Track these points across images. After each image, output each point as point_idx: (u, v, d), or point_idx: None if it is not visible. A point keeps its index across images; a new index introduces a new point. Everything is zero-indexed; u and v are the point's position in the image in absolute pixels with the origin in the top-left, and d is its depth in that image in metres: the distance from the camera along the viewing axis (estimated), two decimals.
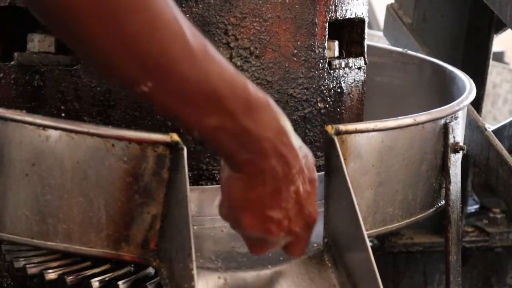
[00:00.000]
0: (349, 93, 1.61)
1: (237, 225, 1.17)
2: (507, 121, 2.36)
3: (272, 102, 1.11)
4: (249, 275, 1.27)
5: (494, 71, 3.74)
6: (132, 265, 1.38)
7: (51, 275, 1.37)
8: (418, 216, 1.54)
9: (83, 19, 0.99)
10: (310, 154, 1.18)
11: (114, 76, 1.08)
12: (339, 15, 1.56)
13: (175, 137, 1.18)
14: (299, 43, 1.49)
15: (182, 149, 1.17)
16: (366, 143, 1.39)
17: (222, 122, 1.07)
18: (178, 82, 1.04)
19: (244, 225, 1.15)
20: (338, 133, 1.34)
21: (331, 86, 1.56)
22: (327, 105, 1.58)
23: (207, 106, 1.06)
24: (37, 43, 1.42)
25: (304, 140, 1.53)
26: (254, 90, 1.09)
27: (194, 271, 1.12)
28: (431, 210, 1.58)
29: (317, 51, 1.52)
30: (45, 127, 1.19)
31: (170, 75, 1.04)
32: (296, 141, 1.14)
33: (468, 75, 1.81)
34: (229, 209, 1.16)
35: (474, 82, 1.75)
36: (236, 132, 1.08)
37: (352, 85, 1.62)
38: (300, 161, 1.14)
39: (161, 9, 1.02)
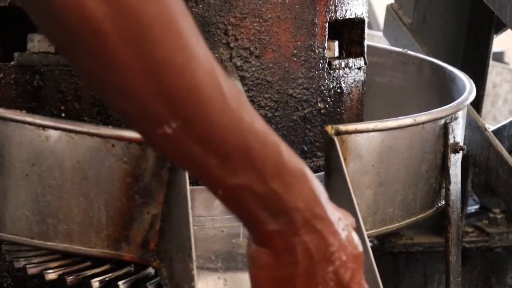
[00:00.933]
0: (349, 93, 1.61)
1: None
2: (507, 121, 2.36)
3: (307, 171, 0.98)
4: (248, 275, 1.26)
5: (494, 71, 3.74)
6: (132, 265, 1.38)
7: (51, 275, 1.37)
8: (418, 216, 1.54)
9: (108, 41, 0.86)
10: (351, 221, 1.03)
11: (134, 113, 0.91)
12: (339, 15, 1.56)
13: None
14: (299, 43, 1.49)
15: None
16: (366, 143, 1.40)
17: (248, 181, 0.94)
18: (206, 126, 0.91)
19: None
20: (338, 133, 1.34)
21: (331, 86, 1.57)
22: (327, 105, 1.58)
23: (234, 160, 0.93)
24: (37, 43, 1.42)
25: (304, 141, 1.54)
26: (287, 153, 0.96)
27: (194, 271, 1.12)
28: (431, 210, 1.58)
29: (317, 51, 1.52)
30: (45, 127, 1.19)
31: (199, 116, 0.91)
32: (334, 214, 1.00)
33: (468, 75, 1.81)
34: None
35: (474, 82, 1.75)
36: (263, 194, 0.95)
37: (352, 85, 1.62)
38: (339, 236, 0.99)
39: (194, 39, 0.90)
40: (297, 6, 1.48)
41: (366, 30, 1.67)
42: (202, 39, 0.91)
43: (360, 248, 1.02)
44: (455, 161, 1.58)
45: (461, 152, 1.59)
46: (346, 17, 1.58)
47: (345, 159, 1.35)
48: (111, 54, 0.87)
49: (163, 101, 0.89)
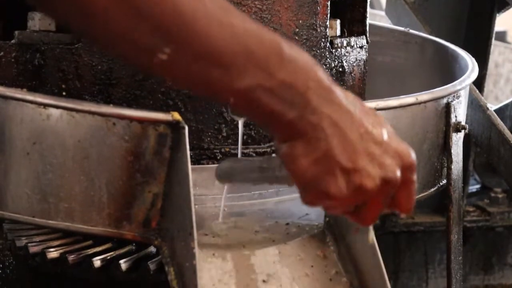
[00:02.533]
0: (350, 72, 1.61)
1: (329, 204, 1.01)
2: (509, 100, 2.36)
3: (309, 57, 1.00)
4: (251, 253, 1.27)
5: (496, 50, 3.74)
6: (134, 244, 1.39)
7: (53, 254, 1.37)
8: (420, 195, 1.54)
9: None
10: (361, 102, 1.05)
11: (127, 50, 0.96)
12: None
13: (177, 116, 1.18)
14: (300, 21, 1.49)
15: (184, 128, 1.17)
16: None
17: (256, 80, 0.96)
18: (199, 42, 0.94)
19: (332, 195, 0.99)
20: None
21: (333, 65, 1.56)
22: None
23: (237, 65, 0.95)
24: (38, 21, 1.41)
25: None
26: (287, 44, 0.99)
27: (196, 250, 1.12)
28: (433, 189, 1.58)
29: (318, 30, 1.51)
30: (46, 105, 1.19)
31: (189, 35, 0.94)
32: (343, 91, 1.02)
33: (470, 54, 1.80)
34: (308, 189, 1.01)
35: (476, 61, 1.75)
36: (274, 87, 0.97)
37: (354, 64, 1.62)
38: (357, 104, 1.01)
39: None
40: None
41: (368, 9, 1.67)
42: None
43: (381, 117, 1.03)
44: (457, 140, 1.58)
45: (463, 131, 1.59)
46: None
47: None
48: (88, 3, 0.91)
49: (149, 31, 0.93)
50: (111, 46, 0.98)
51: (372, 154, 1.00)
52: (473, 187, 2.57)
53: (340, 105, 0.99)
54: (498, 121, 2.05)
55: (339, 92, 1.00)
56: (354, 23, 1.65)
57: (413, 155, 1.03)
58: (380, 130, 1.02)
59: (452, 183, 1.58)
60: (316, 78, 0.99)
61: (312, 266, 1.27)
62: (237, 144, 1.45)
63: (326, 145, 0.98)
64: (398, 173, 1.01)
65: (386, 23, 2.47)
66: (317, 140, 0.98)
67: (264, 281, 1.24)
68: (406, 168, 1.02)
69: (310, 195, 1.01)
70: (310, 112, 0.98)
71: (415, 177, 1.03)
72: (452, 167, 1.57)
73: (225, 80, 0.96)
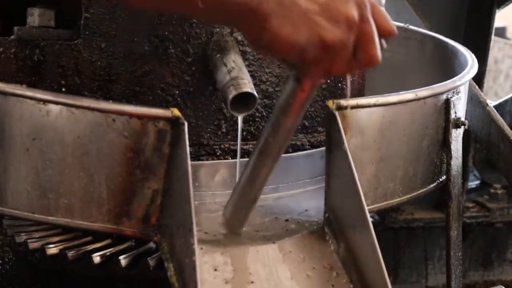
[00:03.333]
0: None
1: (331, 54, 1.11)
2: (509, 96, 2.36)
3: None
4: (251, 250, 1.27)
5: (495, 46, 3.73)
6: (133, 240, 1.39)
7: (52, 250, 1.37)
8: (419, 192, 1.54)
9: None
10: None
11: None
12: None
13: (176, 112, 1.17)
14: None
15: (183, 124, 1.17)
16: (367, 118, 1.39)
17: None
18: None
19: (328, 40, 1.09)
20: (340, 108, 1.34)
21: None
22: (328, 80, 1.58)
23: None
24: (37, 17, 1.41)
25: (305, 116, 1.53)
26: None
27: (195, 246, 1.12)
28: (432, 185, 1.58)
29: None
30: (45, 101, 1.19)
31: None
32: None
33: (470, 50, 1.80)
34: (305, 53, 1.10)
35: (476, 57, 1.75)
36: None
37: None
38: None
39: None
40: None
41: None
42: None
43: None
44: (457, 136, 1.58)
45: (462, 127, 1.58)
46: None
47: (346, 134, 1.35)
48: None
49: None
50: None
51: None
52: (473, 183, 2.57)
53: None
54: (498, 117, 2.05)
55: None
56: None
57: None
58: None
59: (452, 179, 1.58)
60: None
61: (313, 268, 1.27)
62: (236, 140, 1.45)
63: (294, 5, 1.08)
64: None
65: None
66: (284, 8, 1.08)
67: (263, 281, 1.24)
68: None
69: (311, 56, 1.10)
70: None
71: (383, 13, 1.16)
72: (452, 163, 1.57)
73: None
